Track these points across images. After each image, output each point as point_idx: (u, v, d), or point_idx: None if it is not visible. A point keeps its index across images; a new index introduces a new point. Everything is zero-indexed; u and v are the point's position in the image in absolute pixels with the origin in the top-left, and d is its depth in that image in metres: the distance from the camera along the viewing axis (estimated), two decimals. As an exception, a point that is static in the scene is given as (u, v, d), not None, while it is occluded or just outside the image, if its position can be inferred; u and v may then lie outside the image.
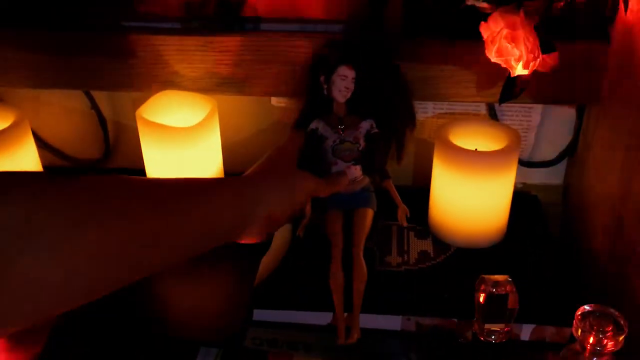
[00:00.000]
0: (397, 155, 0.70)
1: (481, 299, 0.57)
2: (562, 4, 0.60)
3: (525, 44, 0.56)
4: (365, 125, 0.67)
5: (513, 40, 0.57)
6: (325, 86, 0.66)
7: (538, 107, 0.78)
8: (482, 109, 0.80)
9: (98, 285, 0.41)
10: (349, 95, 0.65)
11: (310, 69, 0.68)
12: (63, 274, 0.38)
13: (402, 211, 0.70)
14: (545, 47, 0.59)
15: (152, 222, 0.43)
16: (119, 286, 0.42)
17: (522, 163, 0.83)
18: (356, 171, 0.67)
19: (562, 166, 0.84)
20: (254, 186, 0.54)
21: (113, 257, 0.40)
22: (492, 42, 0.58)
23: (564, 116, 0.79)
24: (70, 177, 0.41)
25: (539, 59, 0.58)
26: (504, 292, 0.56)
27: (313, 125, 0.67)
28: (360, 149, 0.66)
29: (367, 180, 0.69)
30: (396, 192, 0.70)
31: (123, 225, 0.41)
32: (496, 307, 0.57)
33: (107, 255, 0.40)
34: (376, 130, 0.67)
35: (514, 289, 0.57)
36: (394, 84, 0.68)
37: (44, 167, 0.81)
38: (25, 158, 0.77)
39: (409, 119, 0.70)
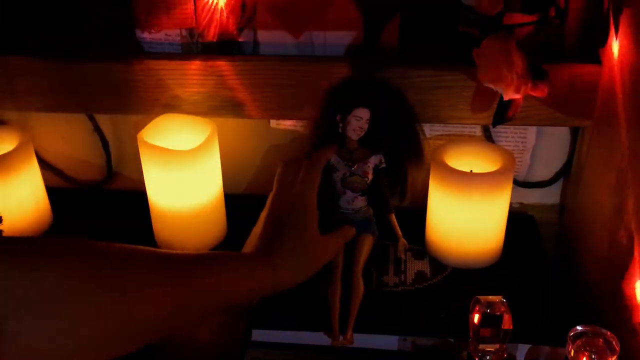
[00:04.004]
0: (400, 193, 0.74)
1: (476, 320, 0.57)
2: (551, 29, 0.61)
3: (516, 70, 0.58)
4: (374, 160, 0.70)
5: (504, 66, 0.58)
6: (341, 125, 0.69)
7: (533, 129, 0.80)
8: (478, 131, 0.81)
9: (115, 348, 0.42)
10: (362, 134, 0.69)
11: (326, 106, 0.72)
12: (78, 340, 0.38)
13: (402, 244, 0.73)
14: (537, 74, 0.60)
15: (168, 295, 0.45)
16: (136, 349, 0.43)
17: (518, 183, 0.84)
18: (362, 202, 0.71)
19: (558, 186, 0.85)
20: (271, 266, 0.54)
21: (130, 324, 0.41)
22: (484, 67, 0.59)
23: (559, 137, 0.80)
24: (95, 247, 0.42)
25: (529, 84, 0.59)
26: (498, 313, 0.57)
27: None
28: (368, 182, 0.70)
29: (370, 211, 0.73)
30: (397, 226, 0.73)
31: (135, 298, 0.42)
32: (491, 328, 0.57)
33: (126, 323, 0.41)
34: (384, 165, 0.71)
35: (508, 310, 0.57)
36: (405, 124, 0.72)
37: (47, 188, 0.83)
38: (29, 180, 0.79)
39: (416, 157, 0.72)
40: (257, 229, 0.62)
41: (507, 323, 0.57)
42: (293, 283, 0.55)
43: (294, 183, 0.62)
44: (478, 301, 0.58)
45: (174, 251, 0.49)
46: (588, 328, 0.53)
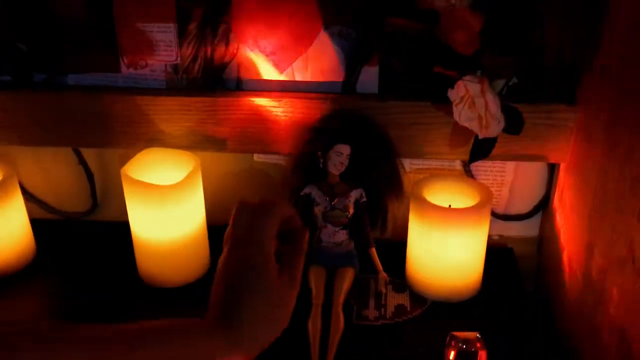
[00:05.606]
0: (381, 226, 0.75)
1: (451, 357, 0.58)
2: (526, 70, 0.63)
3: (488, 110, 0.59)
4: (355, 194, 0.72)
5: (477, 106, 0.60)
6: (322, 160, 0.70)
7: (511, 164, 0.81)
8: (458, 165, 0.82)
9: None
10: (343, 169, 0.71)
11: (308, 141, 0.73)
12: None
13: (382, 278, 0.74)
14: (511, 114, 0.62)
15: None
16: None
17: (498, 216, 0.85)
18: (343, 235, 0.72)
19: (537, 219, 0.86)
20: (232, 338, 0.48)
21: None
22: (458, 107, 0.61)
23: (536, 172, 0.82)
24: (38, 329, 0.42)
25: (502, 123, 0.61)
26: (473, 349, 0.58)
27: (307, 190, 0.72)
28: (348, 216, 0.71)
29: (352, 244, 0.74)
30: (378, 260, 0.74)
31: None
32: (466, 364, 0.58)
33: None
34: (364, 199, 0.72)
35: (484, 346, 0.58)
36: (385, 159, 0.73)
37: (31, 219, 0.83)
38: (13, 213, 0.79)
39: (396, 191, 0.73)
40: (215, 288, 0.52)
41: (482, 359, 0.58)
42: (260, 349, 0.50)
43: (246, 237, 0.51)
44: (454, 337, 0.59)
45: (124, 325, 0.46)
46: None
